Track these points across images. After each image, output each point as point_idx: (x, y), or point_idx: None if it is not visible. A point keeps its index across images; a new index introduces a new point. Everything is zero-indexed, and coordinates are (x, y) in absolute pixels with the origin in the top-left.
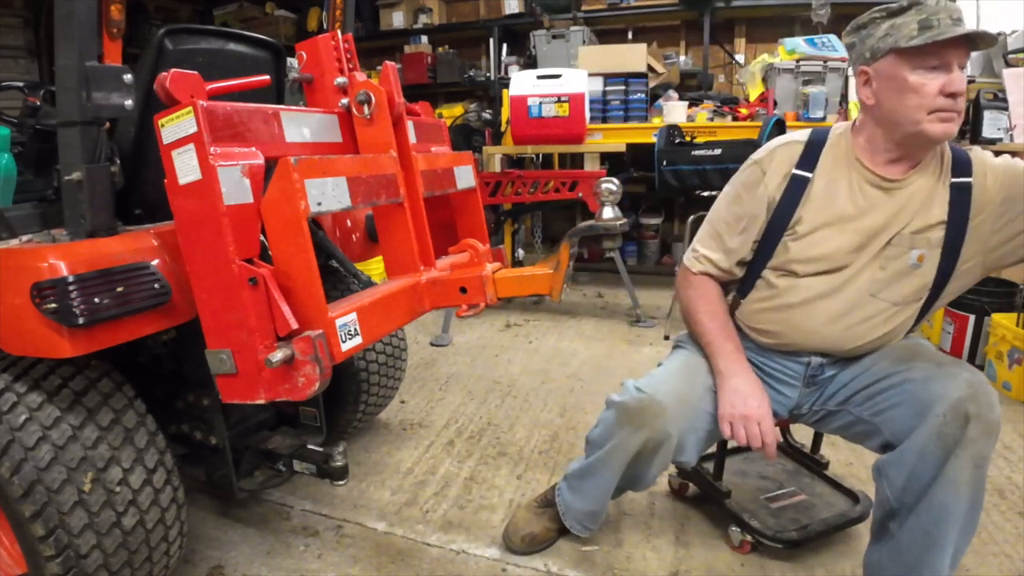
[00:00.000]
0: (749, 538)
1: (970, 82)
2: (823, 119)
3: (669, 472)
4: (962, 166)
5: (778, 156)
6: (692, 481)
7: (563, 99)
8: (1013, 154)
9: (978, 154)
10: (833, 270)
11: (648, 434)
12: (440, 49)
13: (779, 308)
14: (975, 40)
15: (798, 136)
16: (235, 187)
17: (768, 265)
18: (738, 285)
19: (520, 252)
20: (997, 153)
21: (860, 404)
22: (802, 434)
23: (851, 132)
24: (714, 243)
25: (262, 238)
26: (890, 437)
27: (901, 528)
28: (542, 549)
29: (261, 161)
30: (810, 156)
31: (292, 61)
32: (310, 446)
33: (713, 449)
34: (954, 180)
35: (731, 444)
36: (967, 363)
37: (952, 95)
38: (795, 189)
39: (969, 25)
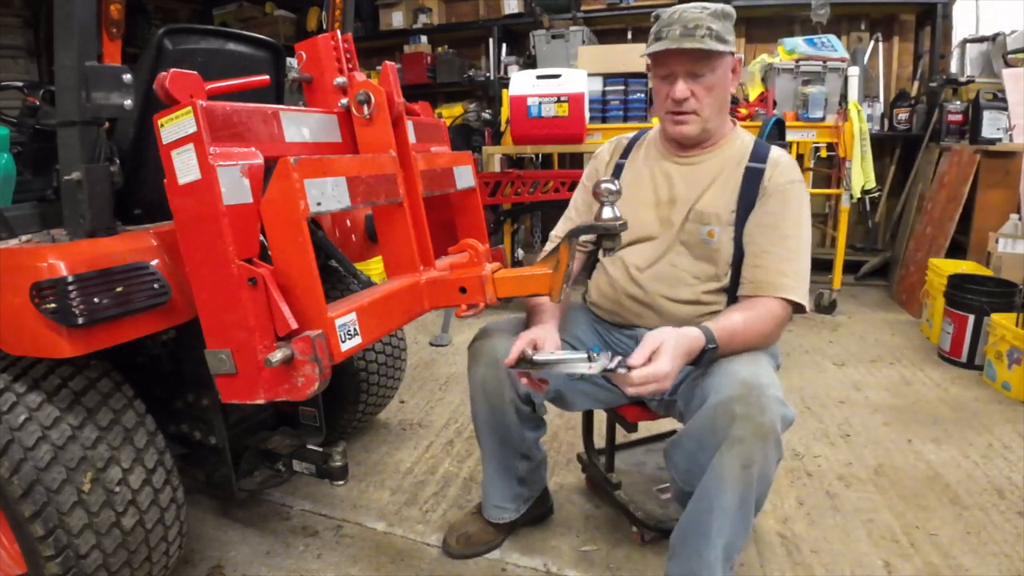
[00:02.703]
0: (635, 529)
1: (970, 82)
2: (823, 119)
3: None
4: (760, 156)
5: (607, 149)
6: (589, 473)
7: (562, 99)
8: (1012, 154)
9: (777, 152)
10: (642, 239)
11: (484, 363)
12: (440, 49)
13: (610, 283)
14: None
15: (627, 135)
16: (234, 187)
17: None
18: (587, 272)
19: (520, 252)
20: (997, 153)
21: (682, 396)
22: None
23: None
24: (563, 224)
25: (262, 238)
26: None
27: (686, 511)
28: (481, 552)
29: (260, 161)
30: (629, 148)
31: (292, 61)
32: (310, 446)
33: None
34: (749, 164)
35: (619, 439)
36: (763, 361)
37: (676, 101)
38: (617, 175)
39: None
